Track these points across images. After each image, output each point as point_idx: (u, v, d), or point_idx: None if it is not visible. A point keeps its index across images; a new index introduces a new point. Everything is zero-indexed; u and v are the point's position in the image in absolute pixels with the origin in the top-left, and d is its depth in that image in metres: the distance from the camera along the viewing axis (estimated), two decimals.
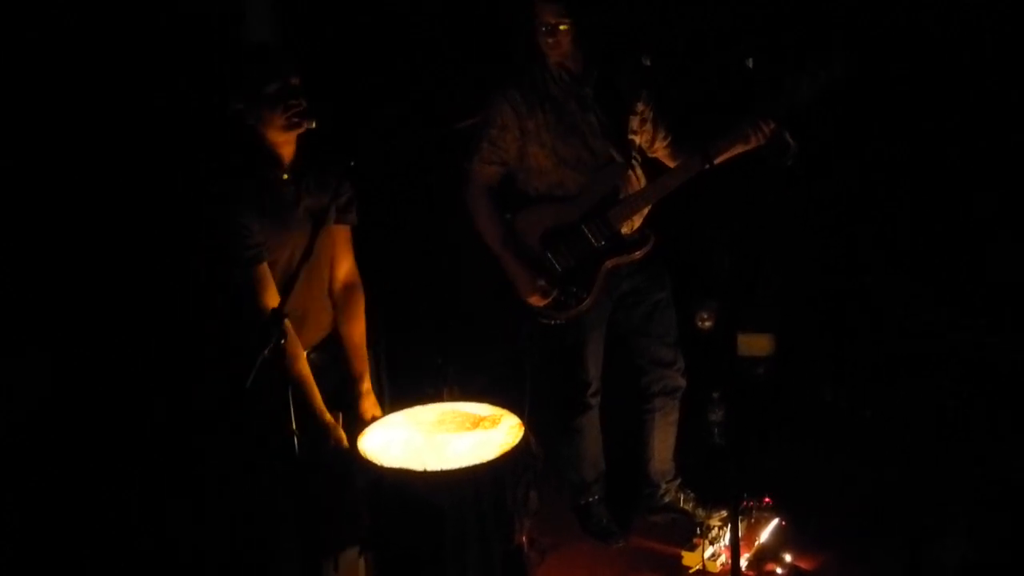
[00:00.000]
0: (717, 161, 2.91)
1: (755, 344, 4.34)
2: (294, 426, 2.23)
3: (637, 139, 3.15)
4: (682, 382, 3.32)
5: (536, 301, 3.09)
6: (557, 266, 3.11)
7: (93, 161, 3.28)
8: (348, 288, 2.81)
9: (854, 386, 4.17)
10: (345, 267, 2.80)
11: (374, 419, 2.72)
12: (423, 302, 4.10)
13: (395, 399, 3.17)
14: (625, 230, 3.10)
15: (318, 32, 3.90)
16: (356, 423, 2.72)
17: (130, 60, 3.28)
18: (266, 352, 2.15)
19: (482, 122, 3.08)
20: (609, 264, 3.09)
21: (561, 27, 2.92)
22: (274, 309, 2.21)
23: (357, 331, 2.79)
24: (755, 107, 2.90)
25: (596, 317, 3.17)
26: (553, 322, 3.13)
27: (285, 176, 2.60)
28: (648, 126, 3.17)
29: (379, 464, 2.43)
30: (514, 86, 3.04)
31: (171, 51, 3.35)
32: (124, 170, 3.31)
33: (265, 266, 2.54)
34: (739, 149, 2.97)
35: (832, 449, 3.82)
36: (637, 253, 3.12)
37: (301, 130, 2.55)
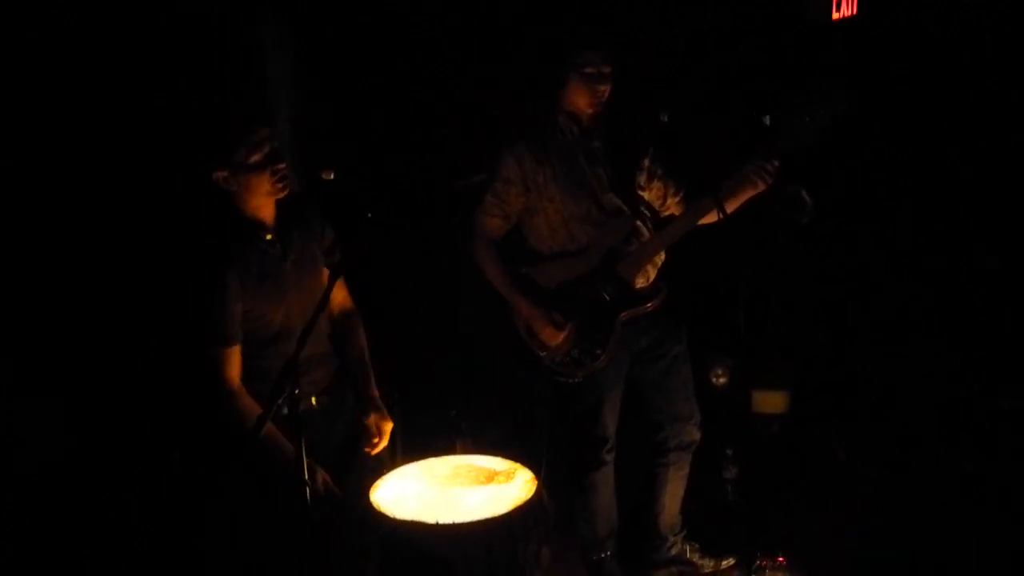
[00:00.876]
0: (728, 205, 2.90)
1: (769, 401, 4.29)
2: (306, 476, 2.21)
3: (645, 195, 3.15)
4: (698, 436, 3.29)
5: (552, 337, 3.05)
6: (572, 325, 3.09)
7: (95, 169, 3.31)
8: (344, 314, 2.86)
9: (868, 445, 4.11)
10: (338, 298, 2.85)
11: (379, 430, 2.73)
12: (437, 355, 4.10)
13: (409, 451, 3.15)
14: (639, 282, 3.09)
15: (320, 32, 3.97)
16: (364, 435, 2.73)
17: (130, 60, 3.32)
18: (279, 402, 2.15)
19: (489, 175, 3.10)
20: (623, 317, 3.07)
21: (606, 71, 2.92)
22: (288, 362, 2.20)
23: (357, 344, 2.83)
24: (757, 148, 2.89)
25: (614, 375, 3.13)
26: (570, 380, 3.09)
27: (269, 236, 2.64)
28: (657, 183, 3.16)
29: (392, 516, 2.41)
30: (521, 140, 3.04)
31: (171, 51, 3.39)
32: (126, 179, 3.35)
33: (238, 347, 2.57)
34: (748, 192, 2.94)
35: (846, 508, 3.75)
36: (650, 305, 3.09)
37: (284, 194, 2.60)
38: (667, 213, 3.20)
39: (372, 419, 2.78)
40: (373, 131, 4.09)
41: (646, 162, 3.13)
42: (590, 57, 2.92)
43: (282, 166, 2.55)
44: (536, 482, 2.53)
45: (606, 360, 3.07)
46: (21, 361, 3.16)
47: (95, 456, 3.26)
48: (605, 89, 2.94)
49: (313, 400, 2.72)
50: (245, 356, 2.60)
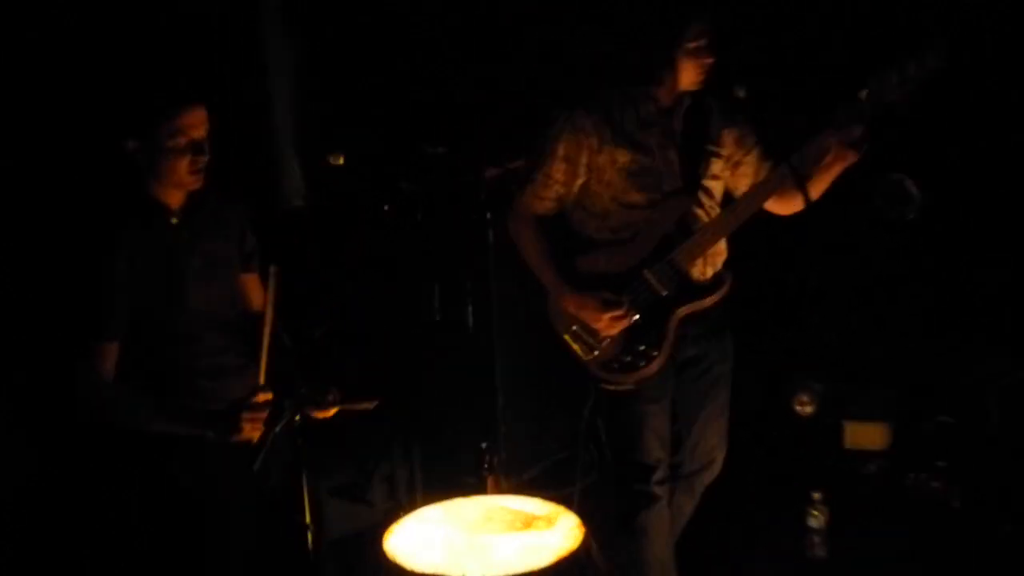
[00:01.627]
0: (811, 186, 2.87)
1: (866, 435, 4.23)
2: (307, 518, 2.17)
3: (717, 184, 3.12)
4: (718, 470, 3.29)
5: (610, 325, 3.02)
6: (622, 319, 3.06)
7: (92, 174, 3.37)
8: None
9: (987, 490, 4.02)
10: (257, 303, 2.84)
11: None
12: (464, 373, 4.09)
13: (430, 489, 3.13)
14: (696, 274, 3.06)
15: (320, 32, 4.07)
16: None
17: (130, 60, 3.41)
18: (278, 429, 2.11)
19: (540, 149, 3.08)
20: (680, 314, 3.05)
21: (709, 41, 2.92)
22: (288, 381, 2.17)
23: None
24: (838, 112, 2.85)
25: (659, 386, 3.11)
26: (619, 388, 3.07)
27: (175, 221, 2.66)
28: (746, 169, 3.15)
29: (410, 569, 2.37)
30: (583, 111, 3.02)
31: (171, 51, 3.48)
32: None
33: (115, 345, 2.58)
34: (832, 167, 2.91)
35: (960, 569, 3.65)
36: (709, 299, 3.07)
37: (197, 187, 2.63)
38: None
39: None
40: (387, 118, 4.13)
41: (728, 148, 3.11)
42: (697, 29, 2.91)
43: (204, 158, 2.59)
44: (583, 529, 2.48)
45: (661, 364, 3.05)
46: None
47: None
48: (711, 61, 2.94)
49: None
50: (138, 360, 2.60)
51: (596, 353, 3.07)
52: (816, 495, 3.81)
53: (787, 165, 2.88)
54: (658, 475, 3.15)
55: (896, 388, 4.34)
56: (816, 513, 3.79)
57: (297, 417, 2.16)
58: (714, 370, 3.20)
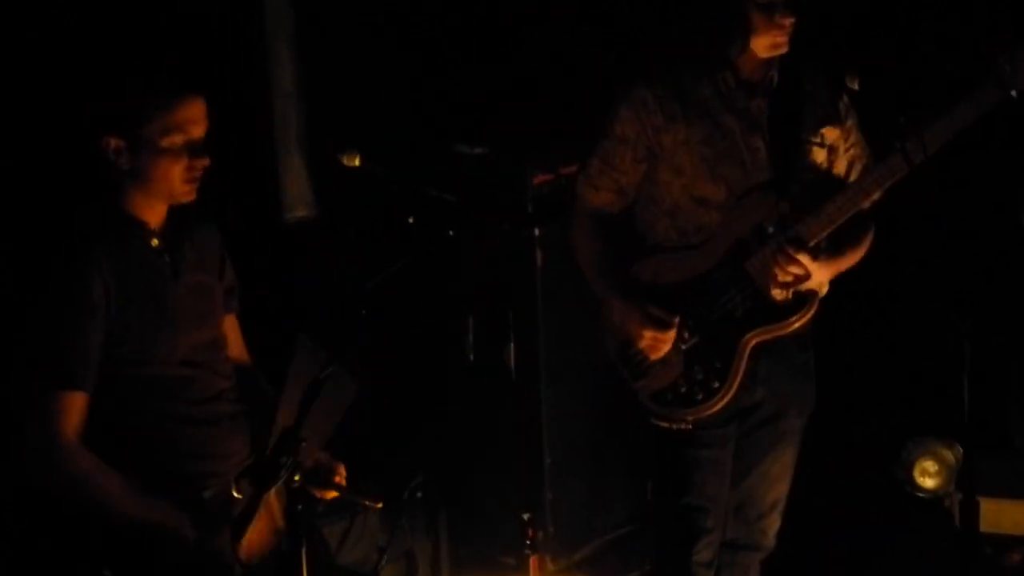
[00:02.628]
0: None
1: (1008, 516, 4.15)
2: None
3: (814, 176, 3.10)
4: (773, 543, 3.28)
5: (654, 344, 3.02)
6: (680, 343, 3.06)
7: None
8: (245, 372, 2.90)
9: None
10: (236, 351, 2.89)
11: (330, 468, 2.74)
12: (505, 425, 4.07)
13: (459, 570, 3.11)
14: (778, 292, 3.03)
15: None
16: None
17: (129, 59, 3.46)
18: (271, 492, 2.11)
19: (596, 132, 3.11)
20: (754, 340, 3.04)
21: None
22: (287, 430, 2.17)
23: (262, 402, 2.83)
24: (973, 91, 2.86)
25: (718, 429, 3.10)
26: (674, 425, 3.07)
27: (155, 243, 2.65)
28: (842, 163, 3.14)
29: None
30: (645, 83, 3.03)
31: (171, 51, 3.55)
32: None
33: (82, 396, 2.52)
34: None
35: None
36: (789, 323, 3.05)
37: (187, 200, 2.62)
38: None
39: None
40: (414, 111, 4.17)
41: (836, 135, 3.10)
42: None
43: (203, 163, 2.57)
44: None
45: (726, 400, 3.04)
46: None
47: None
48: (791, 23, 2.93)
49: (233, 488, 2.62)
50: (110, 414, 2.57)
51: (647, 379, 3.07)
52: None
53: (903, 152, 2.85)
54: (703, 545, 3.13)
55: None
56: None
57: (296, 477, 2.16)
58: (783, 422, 3.19)
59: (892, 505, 3.80)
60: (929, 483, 4.27)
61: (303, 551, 2.18)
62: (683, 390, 3.05)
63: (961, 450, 4.16)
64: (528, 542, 3.72)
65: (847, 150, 3.14)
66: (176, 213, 2.68)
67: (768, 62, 3.01)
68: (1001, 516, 4.17)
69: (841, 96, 3.12)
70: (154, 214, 2.65)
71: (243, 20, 3.95)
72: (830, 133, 3.10)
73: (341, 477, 2.73)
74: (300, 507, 2.21)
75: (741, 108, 3.03)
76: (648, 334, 3.02)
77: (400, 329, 3.98)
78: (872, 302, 4.28)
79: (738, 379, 3.03)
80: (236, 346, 2.90)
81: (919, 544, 4.17)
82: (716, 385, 3.03)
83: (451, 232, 3.68)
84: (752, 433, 3.18)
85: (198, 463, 2.60)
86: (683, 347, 3.05)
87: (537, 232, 3.92)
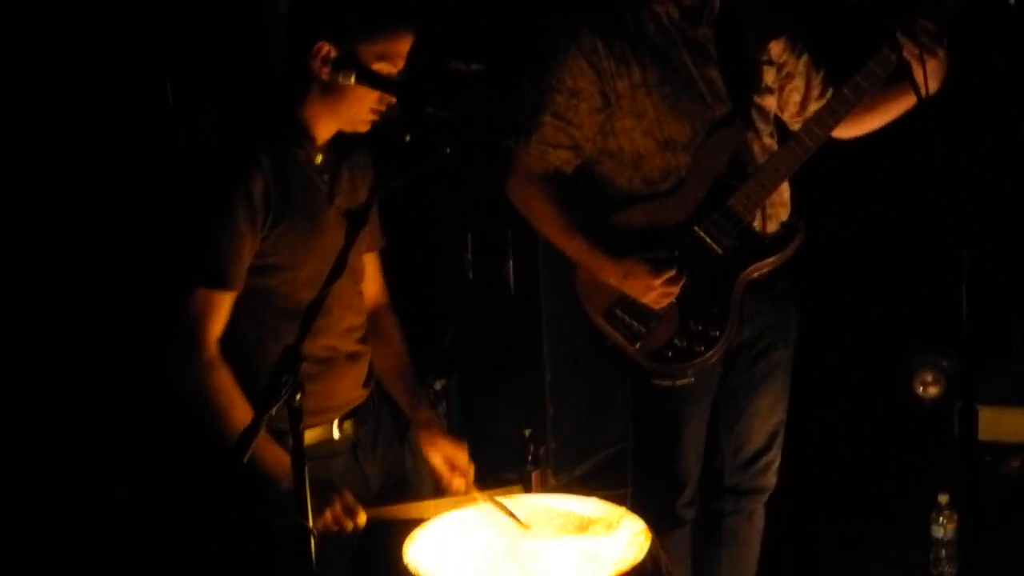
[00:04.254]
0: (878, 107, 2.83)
1: (1007, 423, 4.20)
2: (310, 523, 2.19)
3: (772, 101, 3.05)
4: (772, 482, 3.24)
5: (661, 295, 2.93)
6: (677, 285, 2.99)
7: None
8: (378, 311, 2.85)
9: None
10: (372, 289, 2.84)
11: (452, 464, 2.71)
12: (504, 345, 4.10)
13: None
14: (758, 224, 3.00)
15: None
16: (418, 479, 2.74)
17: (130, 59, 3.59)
18: (272, 412, 2.12)
19: (540, 85, 2.98)
20: (746, 278, 2.99)
21: None
22: (289, 347, 2.17)
23: (396, 350, 2.83)
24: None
25: (702, 379, 3.04)
26: (677, 382, 3.02)
27: (319, 159, 2.60)
28: (797, 81, 3.07)
29: None
30: (591, 29, 2.90)
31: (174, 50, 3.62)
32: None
33: (232, 296, 2.50)
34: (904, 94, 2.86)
35: None
36: (779, 255, 3.01)
37: (364, 131, 2.58)
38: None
39: (435, 450, 2.74)
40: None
41: (780, 51, 3.03)
42: None
43: (392, 100, 2.52)
44: (650, 536, 2.49)
45: (726, 346, 2.99)
46: None
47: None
48: None
49: (334, 427, 2.67)
50: (239, 328, 2.53)
51: (642, 340, 3.00)
52: (943, 499, 3.80)
53: (879, 60, 2.78)
54: (686, 495, 3.13)
55: None
56: (943, 521, 3.78)
57: (298, 396, 2.17)
58: (771, 356, 3.13)
59: (894, 415, 3.82)
60: (931, 393, 4.32)
61: (306, 472, 2.19)
62: (682, 344, 2.98)
63: (960, 360, 4.19)
64: (530, 457, 3.76)
65: (794, 66, 3.06)
66: (342, 136, 2.63)
67: None
68: (1000, 424, 4.23)
69: (776, 12, 3.03)
70: (325, 131, 2.59)
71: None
72: (775, 48, 3.02)
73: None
74: (318, 441, 2.22)
75: (689, 39, 2.94)
76: (658, 282, 2.91)
77: (398, 247, 3.99)
78: (871, 215, 4.29)
79: (735, 323, 2.98)
80: (374, 284, 2.84)
81: (920, 453, 4.22)
82: (715, 333, 2.98)
83: (448, 149, 3.67)
84: (741, 374, 3.12)
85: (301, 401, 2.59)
86: (677, 299, 2.96)
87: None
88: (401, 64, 2.54)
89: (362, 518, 2.48)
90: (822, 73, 3.06)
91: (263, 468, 2.42)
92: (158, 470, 3.60)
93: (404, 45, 2.52)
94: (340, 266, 2.26)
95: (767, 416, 3.17)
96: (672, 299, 2.94)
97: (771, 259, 2.99)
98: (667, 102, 2.90)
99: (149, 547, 3.50)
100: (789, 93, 3.08)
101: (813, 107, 3.05)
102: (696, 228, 2.95)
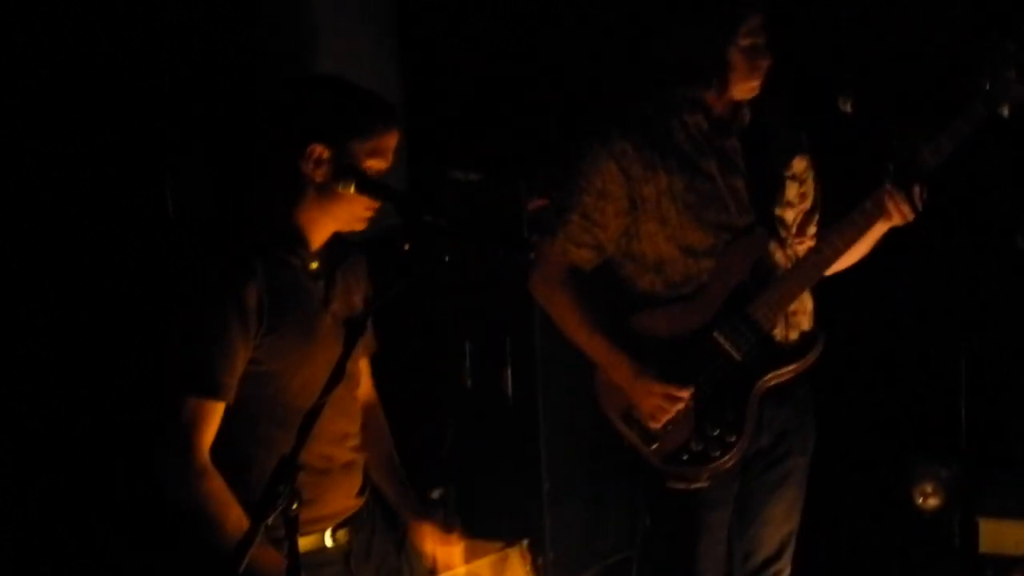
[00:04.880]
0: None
1: (1009, 536, 4.14)
2: None
3: (792, 213, 3.10)
4: None
5: (664, 408, 2.95)
6: (684, 399, 2.99)
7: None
8: (368, 411, 2.83)
9: None
10: (362, 390, 2.83)
11: (445, 557, 2.71)
12: (503, 450, 4.07)
13: None
14: (779, 334, 3.01)
15: None
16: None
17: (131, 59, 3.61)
18: (268, 522, 2.10)
19: (568, 186, 3.03)
20: (763, 386, 3.00)
21: (764, 38, 2.91)
22: (285, 457, 2.16)
23: (386, 452, 2.84)
24: (953, 121, 2.87)
25: (722, 484, 3.04)
26: (690, 487, 3.01)
27: (314, 266, 2.60)
28: (807, 203, 3.14)
29: None
30: (621, 133, 2.96)
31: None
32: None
33: (222, 406, 2.48)
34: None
35: None
36: (797, 364, 3.02)
37: (359, 230, 2.59)
38: (803, 245, 3.15)
39: (426, 537, 2.74)
40: (407, 136, 4.21)
41: (804, 166, 3.10)
42: (751, 21, 2.88)
43: (387, 188, 2.52)
44: None
45: (741, 451, 2.99)
46: None
47: None
48: (768, 65, 2.92)
49: (327, 536, 2.64)
50: (230, 437, 2.50)
51: (658, 443, 3.00)
52: None
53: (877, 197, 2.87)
54: None
55: None
56: None
57: (295, 505, 2.15)
58: (787, 462, 3.13)
59: (893, 527, 3.78)
60: (931, 504, 4.27)
61: None
62: (698, 448, 2.98)
63: (960, 470, 4.16)
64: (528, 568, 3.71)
65: (811, 186, 3.13)
66: (336, 241, 2.64)
67: (739, 102, 2.99)
68: (1001, 536, 4.17)
69: (798, 130, 3.11)
70: (320, 235, 2.59)
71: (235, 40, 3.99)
72: (798, 165, 3.09)
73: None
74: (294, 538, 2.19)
75: (717, 149, 2.99)
76: (660, 392, 2.94)
77: (397, 355, 3.98)
78: (869, 322, 4.29)
79: (751, 429, 2.99)
80: (364, 385, 2.84)
81: (921, 565, 4.17)
82: (732, 439, 2.97)
83: (447, 258, 3.69)
84: (756, 479, 3.11)
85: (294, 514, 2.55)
86: (694, 404, 2.98)
87: (533, 256, 3.92)
88: (391, 159, 2.54)
89: None
90: (821, 196, 3.14)
91: (259, 570, 2.36)
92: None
93: (393, 140, 2.54)
94: (339, 374, 2.25)
95: (780, 524, 3.16)
96: (669, 415, 2.95)
97: (788, 368, 3.01)
98: (691, 211, 2.95)
99: (149, 547, 3.48)
100: (799, 207, 3.14)
101: (810, 229, 3.13)
102: (715, 334, 2.98)
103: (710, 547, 3.07)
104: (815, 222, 3.16)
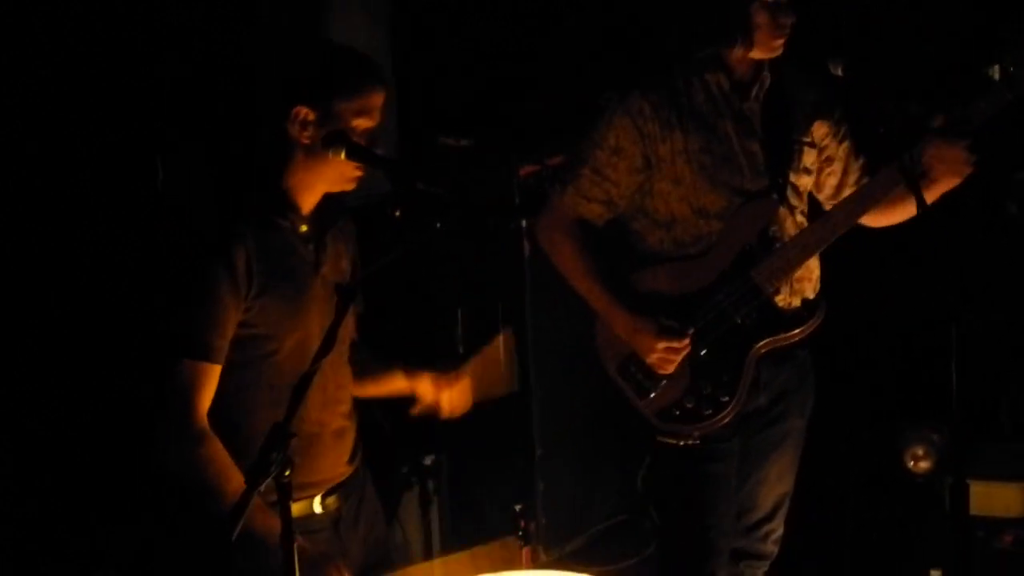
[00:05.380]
0: (927, 192, 2.82)
1: (998, 499, 4.16)
2: None
3: (809, 181, 3.10)
4: (772, 551, 3.24)
5: (665, 359, 2.97)
6: (687, 357, 3.02)
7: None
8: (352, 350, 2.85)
9: None
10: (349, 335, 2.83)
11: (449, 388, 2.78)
12: (494, 417, 4.07)
13: (453, 549, 3.12)
14: (781, 300, 3.03)
15: None
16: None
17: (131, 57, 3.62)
18: (261, 489, 2.11)
19: (583, 140, 3.04)
20: (760, 349, 3.02)
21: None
22: (278, 424, 2.16)
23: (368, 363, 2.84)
24: (969, 102, 2.85)
25: (725, 440, 3.06)
26: (682, 443, 3.03)
27: (304, 228, 2.61)
28: (836, 166, 3.14)
29: None
30: (641, 92, 2.98)
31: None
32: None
33: (217, 369, 2.49)
34: (948, 174, 2.90)
35: None
36: (796, 332, 3.04)
37: (349, 189, 2.59)
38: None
39: (434, 391, 2.78)
40: (399, 103, 4.18)
41: (823, 134, 3.09)
42: None
43: (377, 155, 2.53)
44: None
45: (735, 412, 3.01)
46: None
47: None
48: (792, 23, 2.91)
49: (316, 502, 2.66)
50: (223, 401, 2.51)
51: (652, 396, 3.03)
52: (935, 574, 3.77)
53: (899, 167, 2.83)
54: (718, 565, 3.09)
55: None
56: None
57: (287, 472, 2.15)
58: (785, 423, 3.15)
59: (885, 490, 3.79)
60: (922, 467, 4.29)
61: (294, 546, 2.17)
62: (690, 405, 3.01)
63: (951, 434, 4.18)
64: (520, 533, 3.72)
65: (835, 150, 3.12)
66: (324, 202, 2.64)
67: (760, 63, 2.99)
68: (991, 499, 4.19)
69: (826, 87, 3.09)
70: (310, 198, 2.60)
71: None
72: (819, 130, 3.09)
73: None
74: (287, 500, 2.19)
75: (736, 111, 3.00)
76: (662, 346, 2.96)
77: (389, 323, 3.99)
78: (861, 289, 4.29)
79: (745, 390, 3.01)
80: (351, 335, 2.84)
81: (912, 528, 4.19)
82: (725, 399, 3.00)
83: (438, 225, 3.69)
84: (753, 438, 3.13)
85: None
86: (690, 361, 3.00)
87: (524, 224, 3.92)
88: (379, 118, 2.54)
89: None
90: (861, 160, 3.13)
91: (256, 531, 2.39)
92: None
93: (379, 98, 2.53)
94: (330, 341, 2.25)
95: (774, 484, 3.19)
96: (673, 366, 2.97)
97: (785, 335, 3.03)
98: (706, 171, 2.96)
99: (149, 547, 3.52)
100: (827, 176, 3.15)
101: (848, 192, 3.12)
102: (716, 295, 2.99)
103: (717, 500, 3.07)
104: (852, 184, 3.12)
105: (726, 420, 3.01)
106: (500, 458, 4.06)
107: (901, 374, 4.44)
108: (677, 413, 3.02)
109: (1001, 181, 3.85)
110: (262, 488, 2.12)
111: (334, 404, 2.68)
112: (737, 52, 2.95)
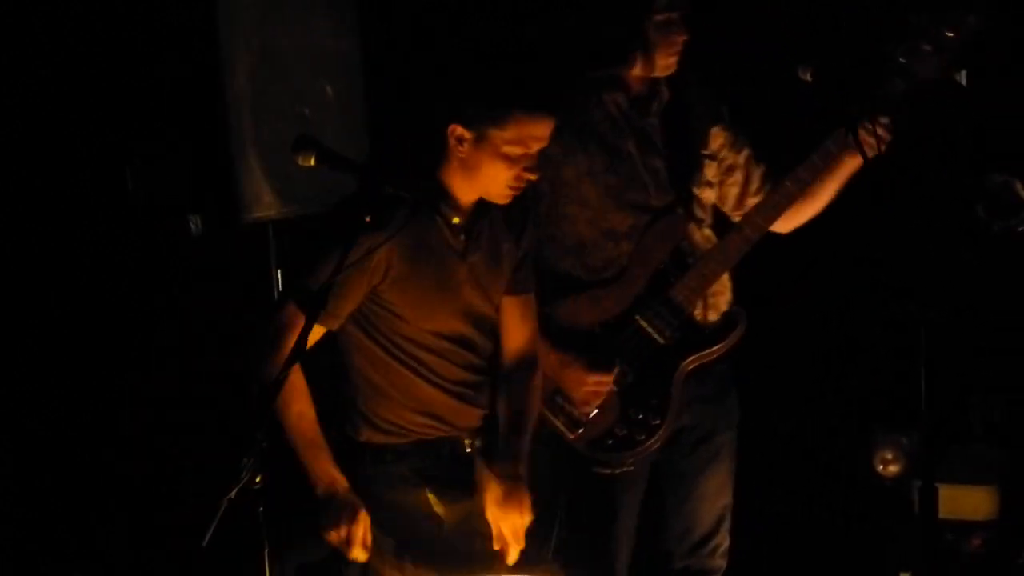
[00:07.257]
0: (824, 190, 2.91)
1: (967, 501, 4.20)
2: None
3: (712, 194, 3.10)
4: (721, 565, 3.24)
5: (593, 393, 2.96)
6: (612, 384, 3.01)
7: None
8: (522, 363, 2.88)
9: None
10: (519, 338, 2.88)
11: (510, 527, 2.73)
12: None
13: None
14: (698, 314, 3.02)
15: None
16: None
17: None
18: (232, 494, 2.11)
19: None
20: (687, 367, 3.02)
21: (679, 14, 2.90)
22: (253, 433, 2.16)
23: (526, 403, 2.86)
24: (851, 104, 2.83)
25: (637, 467, 3.06)
26: (617, 471, 3.03)
27: (456, 220, 2.67)
28: (737, 175, 3.13)
29: None
30: None
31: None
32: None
33: (319, 329, 2.60)
34: (846, 167, 2.94)
35: None
36: (720, 346, 3.04)
37: (503, 203, 2.66)
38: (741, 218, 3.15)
39: (503, 514, 2.74)
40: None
41: (719, 144, 3.09)
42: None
43: (531, 177, 2.60)
44: None
45: (667, 434, 3.01)
46: None
47: None
48: (684, 40, 2.92)
49: (466, 442, 2.80)
50: (362, 372, 2.69)
51: (582, 429, 3.01)
52: None
53: (821, 154, 2.89)
54: (621, 567, 3.12)
55: (1005, 444, 4.32)
56: None
57: (258, 479, 2.15)
58: (715, 439, 3.16)
59: (854, 494, 3.82)
60: (891, 471, 4.32)
61: (265, 555, 2.17)
62: (622, 432, 3.01)
63: (920, 438, 4.21)
64: None
65: (735, 159, 3.11)
66: (485, 204, 2.72)
67: (656, 79, 2.98)
68: (960, 502, 4.22)
69: (718, 105, 3.11)
70: (466, 194, 2.70)
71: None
72: (715, 142, 3.09)
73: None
74: (262, 507, 2.20)
75: (636, 128, 2.98)
76: (592, 381, 2.95)
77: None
78: (829, 294, 4.32)
79: (676, 412, 3.00)
80: (514, 321, 2.89)
81: (881, 531, 4.21)
82: (656, 422, 3.00)
83: (367, 219, 3.70)
84: (684, 458, 3.13)
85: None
86: (617, 389, 2.99)
87: None
88: (538, 146, 2.58)
89: (360, 555, 2.55)
90: (762, 168, 3.10)
91: (310, 472, 2.58)
92: (157, 470, 3.68)
93: (539, 129, 2.56)
94: (299, 350, 2.36)
95: (714, 499, 3.17)
96: (601, 399, 2.96)
97: (711, 349, 3.02)
98: (611, 192, 2.94)
99: (149, 547, 3.59)
100: (729, 187, 3.12)
101: (751, 201, 3.10)
102: (637, 318, 2.96)
103: (623, 530, 3.10)
104: (754, 192, 3.13)
105: (659, 444, 3.01)
106: None
107: (870, 378, 4.46)
108: (610, 442, 3.01)
109: (970, 184, 3.88)
110: (232, 495, 2.12)
111: (467, 368, 2.79)
112: (634, 71, 2.94)
